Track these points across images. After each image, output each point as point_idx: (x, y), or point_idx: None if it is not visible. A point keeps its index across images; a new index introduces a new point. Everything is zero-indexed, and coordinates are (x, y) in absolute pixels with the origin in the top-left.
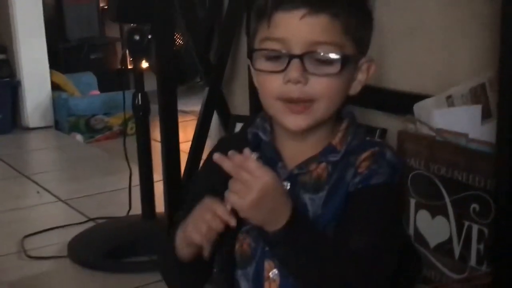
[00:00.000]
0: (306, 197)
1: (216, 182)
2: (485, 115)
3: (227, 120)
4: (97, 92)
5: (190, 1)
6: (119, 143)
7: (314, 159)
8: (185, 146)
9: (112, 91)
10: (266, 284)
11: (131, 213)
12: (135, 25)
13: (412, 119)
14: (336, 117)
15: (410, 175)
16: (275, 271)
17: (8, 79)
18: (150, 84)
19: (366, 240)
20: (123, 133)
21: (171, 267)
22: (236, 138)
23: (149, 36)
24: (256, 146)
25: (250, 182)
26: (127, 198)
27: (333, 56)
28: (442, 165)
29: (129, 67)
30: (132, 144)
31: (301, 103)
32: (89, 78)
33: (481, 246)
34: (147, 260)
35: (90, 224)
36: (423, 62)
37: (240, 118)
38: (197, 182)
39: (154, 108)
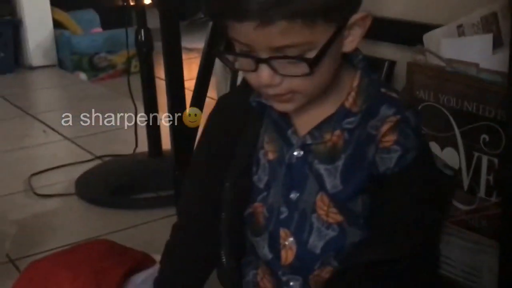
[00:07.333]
0: (321, 168)
1: (222, 145)
2: (497, 44)
3: None
4: (99, 29)
5: None
6: (124, 81)
7: (327, 125)
8: (190, 83)
9: (115, 28)
10: (283, 252)
11: (137, 150)
12: None
13: (421, 50)
14: (346, 65)
15: (419, 107)
16: (291, 239)
17: (9, 17)
18: (154, 21)
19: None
20: (127, 71)
21: None
22: (236, 101)
23: None
24: (261, 112)
25: None
26: (133, 136)
27: (298, 60)
28: (452, 96)
29: (131, 3)
30: (136, 82)
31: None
32: (91, 15)
33: (491, 177)
34: (154, 197)
35: (97, 162)
36: None
37: None
38: (202, 150)
39: (158, 45)
